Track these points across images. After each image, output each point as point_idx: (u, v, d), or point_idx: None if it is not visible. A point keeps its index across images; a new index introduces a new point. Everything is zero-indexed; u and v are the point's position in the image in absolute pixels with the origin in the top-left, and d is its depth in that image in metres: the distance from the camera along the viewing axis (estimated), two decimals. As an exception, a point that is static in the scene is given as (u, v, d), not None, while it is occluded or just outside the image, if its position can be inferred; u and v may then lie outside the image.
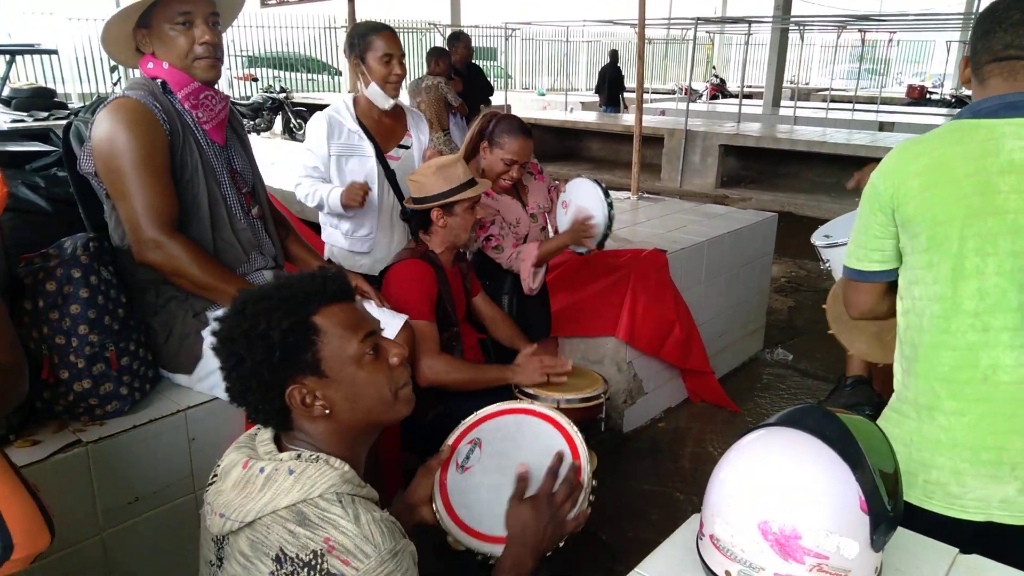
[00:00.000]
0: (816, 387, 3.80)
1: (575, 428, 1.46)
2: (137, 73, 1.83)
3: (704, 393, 3.53)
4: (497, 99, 13.05)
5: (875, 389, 2.66)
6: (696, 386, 3.52)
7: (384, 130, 2.59)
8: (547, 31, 20.45)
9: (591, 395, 2.21)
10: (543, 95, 17.99)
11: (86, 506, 1.58)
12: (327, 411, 1.07)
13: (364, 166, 2.52)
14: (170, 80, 1.74)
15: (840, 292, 2.12)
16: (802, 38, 13.52)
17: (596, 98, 14.18)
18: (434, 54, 6.07)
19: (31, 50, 3.28)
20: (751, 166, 10.21)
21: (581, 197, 2.70)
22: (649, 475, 3.00)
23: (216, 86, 1.82)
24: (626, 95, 13.60)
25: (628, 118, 11.80)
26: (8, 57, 3.18)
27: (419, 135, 2.67)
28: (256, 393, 1.05)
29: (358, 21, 2.61)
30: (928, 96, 18.49)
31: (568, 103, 14.17)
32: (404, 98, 3.21)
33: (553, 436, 1.46)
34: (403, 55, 2.49)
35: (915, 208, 1.29)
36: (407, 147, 2.63)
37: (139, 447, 1.66)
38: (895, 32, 18.65)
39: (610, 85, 13.25)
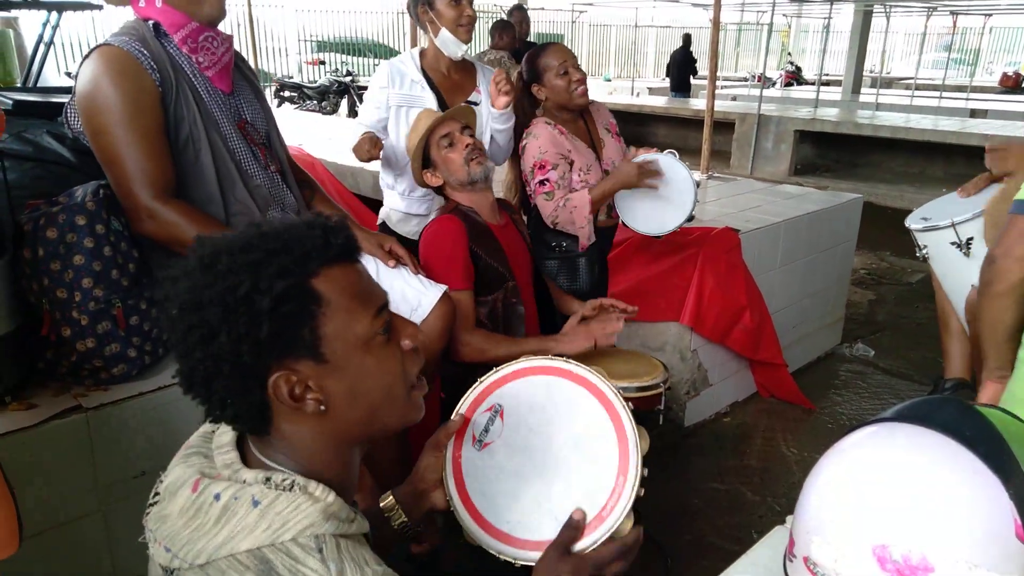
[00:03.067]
0: (901, 387, 3.44)
1: (620, 398, 1.15)
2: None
3: (775, 388, 3.22)
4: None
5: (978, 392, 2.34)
6: (767, 380, 3.22)
7: (451, 84, 2.42)
8: (616, 15, 19.94)
9: (649, 384, 1.98)
10: (609, 81, 17.58)
11: (84, 478, 1.45)
12: (322, 407, 0.79)
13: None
14: (164, 21, 1.54)
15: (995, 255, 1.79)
16: (888, 22, 12.72)
17: (664, 84, 13.74)
18: (498, 27, 5.86)
19: (75, 4, 3.22)
20: (828, 154, 9.65)
21: (666, 165, 2.41)
22: (711, 473, 2.73)
23: (220, 27, 1.63)
24: (695, 81, 13.11)
25: (697, 103, 11.35)
26: (56, 14, 3.13)
27: (488, 88, 2.43)
28: (227, 380, 0.75)
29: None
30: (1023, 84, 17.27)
31: (635, 89, 13.77)
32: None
33: (592, 408, 1.15)
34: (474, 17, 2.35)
35: None
36: (476, 103, 2.41)
37: (146, 416, 1.52)
38: (990, 15, 17.47)
39: (680, 69, 12.80)
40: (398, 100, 2.36)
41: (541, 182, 2.30)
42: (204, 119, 1.58)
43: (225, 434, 0.83)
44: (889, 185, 8.23)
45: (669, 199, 2.41)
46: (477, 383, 1.22)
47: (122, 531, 1.51)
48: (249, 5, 7.84)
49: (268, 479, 0.76)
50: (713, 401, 3.12)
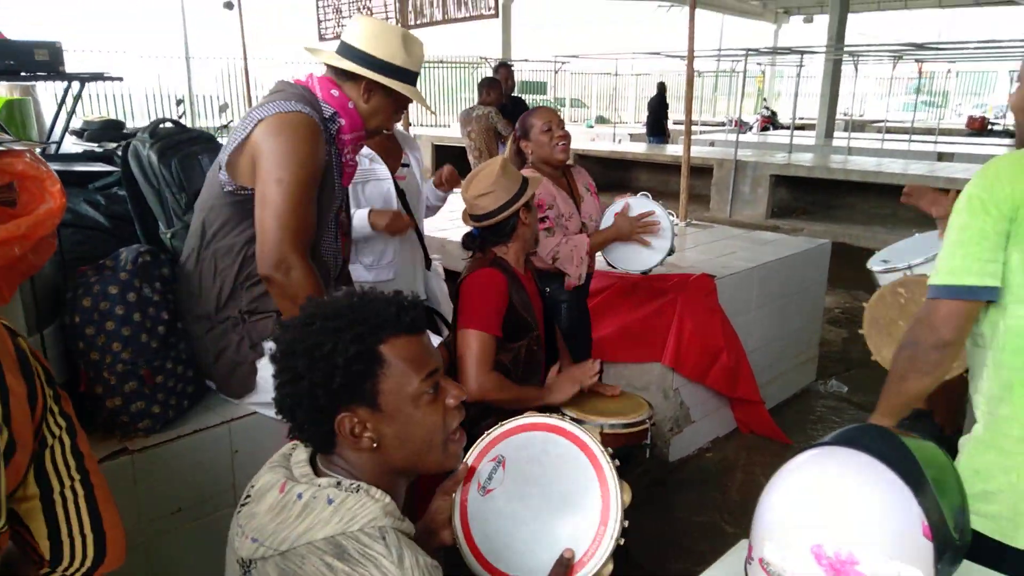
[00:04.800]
0: (873, 421, 3.64)
1: (607, 456, 1.34)
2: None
3: (754, 423, 3.42)
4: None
5: (937, 423, 2.54)
6: (745, 416, 3.42)
7: (386, 151, 2.59)
8: (596, 65, 20.58)
9: (636, 420, 2.16)
10: (591, 127, 18.07)
11: (130, 514, 1.60)
12: (374, 445, 1.01)
13: (381, 189, 2.52)
14: (347, 119, 1.78)
15: (888, 294, 2.01)
16: (856, 69, 13.29)
17: (644, 130, 14.20)
18: (485, 84, 6.16)
19: (98, 77, 3.42)
20: (803, 197, 10.01)
21: (645, 207, 2.71)
22: (695, 506, 2.90)
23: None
24: (672, 126, 13.57)
25: (676, 148, 11.74)
26: (78, 84, 3.34)
27: (413, 153, 2.69)
28: (306, 413, 1.00)
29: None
30: (990, 127, 17.94)
31: (616, 135, 14.20)
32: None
33: (582, 464, 1.34)
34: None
35: None
36: (407, 165, 2.64)
37: (183, 457, 1.68)
38: (954, 62, 18.21)
39: (656, 115, 13.26)
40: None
41: (542, 219, 2.53)
42: (331, 206, 1.81)
43: (301, 452, 1.06)
44: (862, 226, 8.56)
45: (650, 239, 2.69)
46: (484, 435, 1.40)
47: (162, 562, 1.66)
48: (245, 59, 8.16)
49: (339, 483, 0.98)
50: (696, 437, 3.30)
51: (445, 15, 6.14)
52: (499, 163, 2.08)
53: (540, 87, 23.17)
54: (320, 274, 1.78)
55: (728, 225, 9.12)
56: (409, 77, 1.80)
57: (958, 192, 2.48)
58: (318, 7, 6.63)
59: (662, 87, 13.49)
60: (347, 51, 1.76)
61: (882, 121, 15.42)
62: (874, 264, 2.56)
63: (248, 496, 1.04)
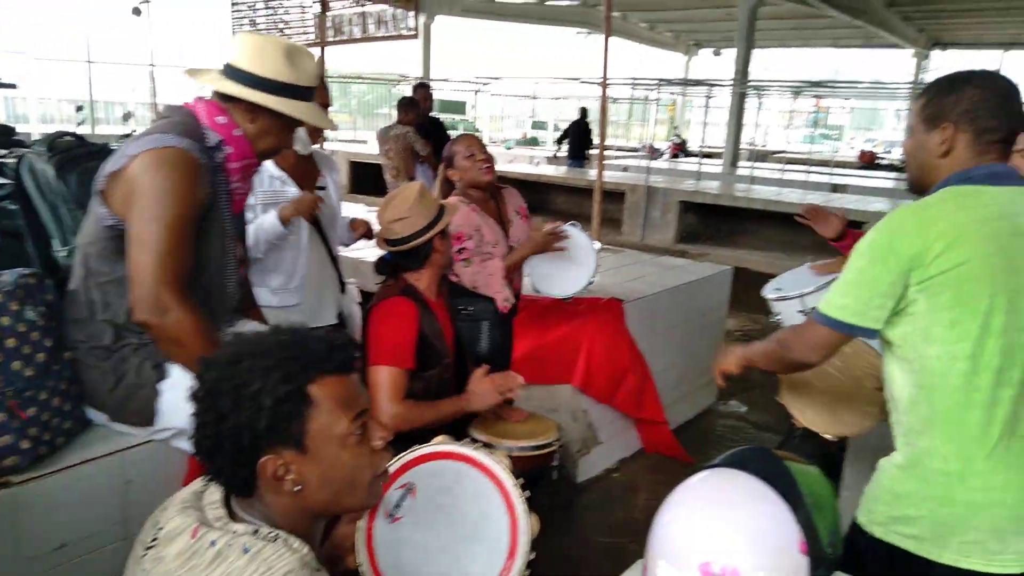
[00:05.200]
0: (770, 439, 3.83)
1: (518, 488, 1.36)
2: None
3: (658, 443, 3.53)
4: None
5: (822, 440, 2.70)
6: (650, 436, 3.53)
7: (301, 173, 2.50)
8: (516, 86, 20.95)
9: (544, 442, 2.20)
10: (510, 148, 18.31)
11: (6, 550, 1.51)
12: (297, 488, 0.98)
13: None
14: (233, 145, 1.67)
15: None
16: (759, 103, 14.08)
17: (562, 153, 14.50)
18: (404, 104, 6.16)
19: (-11, 83, 3.24)
20: (709, 223, 10.45)
21: (573, 234, 2.85)
22: (602, 527, 2.97)
23: None
24: (591, 151, 13.93)
25: (592, 173, 12.05)
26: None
27: (331, 175, 2.63)
28: (228, 455, 0.96)
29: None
30: (877, 161, 19.29)
31: (534, 157, 14.44)
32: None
33: (492, 496, 1.36)
34: (330, 104, 2.51)
35: (940, 268, 1.30)
36: (324, 187, 2.57)
37: (70, 489, 1.59)
38: (848, 99, 19.51)
39: (578, 140, 13.55)
40: (263, 199, 2.38)
41: (459, 251, 2.57)
42: (223, 236, 1.70)
43: (215, 493, 1.01)
44: (762, 252, 9.00)
45: (574, 263, 2.84)
46: (393, 461, 1.37)
47: (42, 601, 1.56)
48: (152, 67, 7.87)
49: (256, 531, 0.95)
50: (603, 458, 3.38)
51: (364, 33, 6.12)
52: (416, 189, 2.09)
53: (459, 107, 23.34)
54: (219, 308, 1.73)
55: (640, 249, 9.40)
56: (299, 93, 1.70)
57: (849, 221, 2.65)
58: (233, 20, 6.48)
59: (584, 111, 13.82)
60: (229, 72, 1.68)
61: (783, 152, 16.33)
62: (768, 292, 2.72)
63: (155, 539, 0.99)
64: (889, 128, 28.39)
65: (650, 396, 3.43)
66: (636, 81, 14.52)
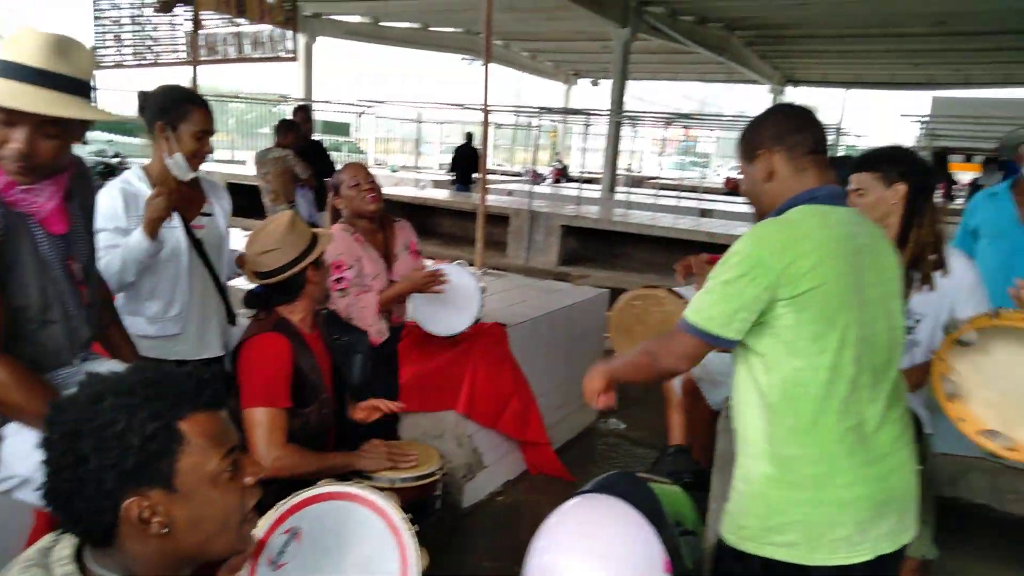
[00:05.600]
0: (647, 455, 3.99)
1: (407, 522, 1.34)
2: None
3: (541, 464, 3.60)
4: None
5: (694, 458, 2.86)
6: (534, 458, 3.59)
7: (183, 199, 2.34)
8: (401, 110, 20.88)
9: (427, 472, 2.20)
10: (395, 171, 18.20)
11: None
12: (164, 530, 0.93)
13: (170, 238, 2.28)
14: None
15: (626, 305, 2.26)
16: (634, 131, 14.80)
17: (449, 176, 14.59)
18: (282, 126, 6.02)
19: None
20: (590, 245, 10.82)
21: (456, 274, 2.88)
22: (488, 551, 2.98)
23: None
24: (477, 175, 14.10)
25: (477, 197, 12.19)
26: None
27: (219, 202, 2.49)
28: (87, 500, 0.89)
29: (183, 87, 2.51)
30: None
31: (420, 180, 14.44)
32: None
33: (383, 536, 1.33)
34: (214, 132, 2.36)
35: (809, 285, 1.38)
36: (210, 214, 2.44)
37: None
38: (713, 130, 20.83)
39: (464, 164, 13.66)
40: (138, 223, 2.19)
41: (337, 280, 2.53)
42: (37, 266, 1.51)
43: (65, 548, 0.94)
44: (639, 274, 9.41)
45: (458, 304, 2.87)
46: (276, 506, 1.34)
47: None
48: None
49: None
50: (488, 482, 3.41)
51: (240, 54, 5.94)
52: (286, 219, 2.03)
53: (343, 128, 22.98)
54: (55, 349, 1.58)
55: (524, 271, 9.58)
56: (57, 82, 1.41)
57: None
58: (96, 35, 6.05)
59: (470, 136, 13.97)
60: None
61: (656, 178, 17.18)
62: None
63: None
64: (752, 157, 30.39)
65: (533, 418, 3.49)
66: (518, 109, 14.89)
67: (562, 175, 20.43)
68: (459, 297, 2.90)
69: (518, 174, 20.13)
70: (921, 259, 2.14)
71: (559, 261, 10.09)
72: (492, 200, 12.15)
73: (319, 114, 21.58)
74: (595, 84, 23.38)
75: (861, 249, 1.46)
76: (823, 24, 13.62)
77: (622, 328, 2.33)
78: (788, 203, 1.49)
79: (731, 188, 20.28)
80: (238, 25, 5.78)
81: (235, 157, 16.28)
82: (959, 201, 12.07)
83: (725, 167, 30.45)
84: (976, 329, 1.48)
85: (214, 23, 5.80)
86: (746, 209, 11.25)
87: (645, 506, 1.15)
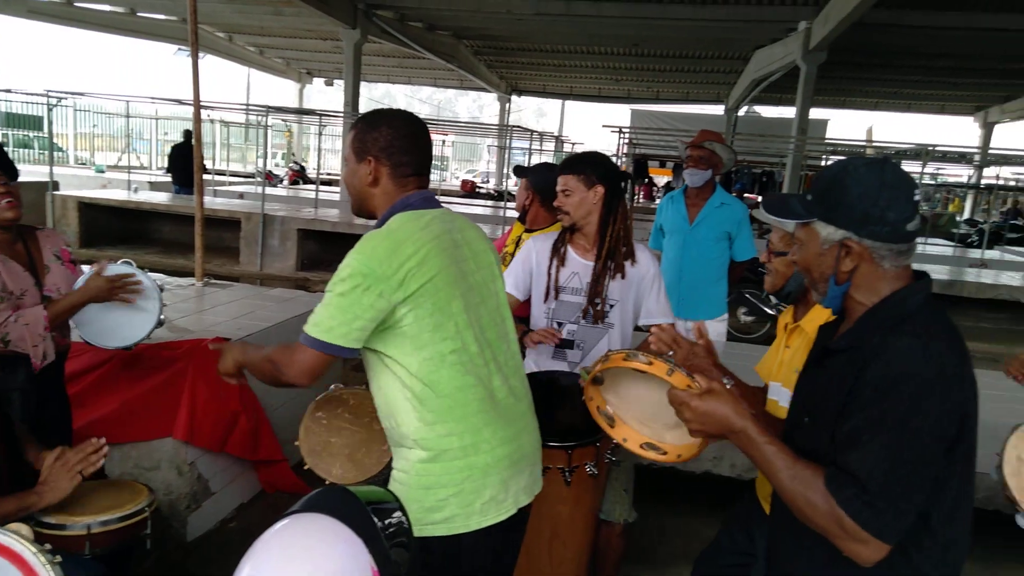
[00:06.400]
0: (390, 459, 4.00)
1: (45, 560, 1.22)
2: None
3: (278, 482, 3.43)
4: (40, 174, 11.25)
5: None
6: (269, 476, 3.41)
7: None
8: (108, 104, 18.45)
9: (133, 511, 2.00)
10: (102, 172, 16.11)
11: None
12: None
13: None
14: None
15: (311, 422, 2.24)
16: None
17: (167, 177, 13.28)
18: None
19: None
20: (331, 249, 10.57)
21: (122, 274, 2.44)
22: (219, 584, 2.77)
23: None
24: (206, 176, 13.01)
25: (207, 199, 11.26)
26: None
27: None
28: None
29: None
30: (477, 190, 21.64)
31: (132, 182, 12.93)
32: None
33: None
34: None
35: (421, 283, 1.52)
36: None
37: None
38: (448, 134, 21.52)
39: (183, 164, 12.52)
40: None
41: None
42: None
43: None
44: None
45: (132, 308, 2.45)
46: None
47: None
48: None
49: None
50: (217, 509, 3.16)
51: None
52: None
53: (34, 122, 19.82)
54: None
55: (260, 278, 9.08)
56: None
57: None
58: None
59: (189, 134, 12.82)
60: None
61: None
62: None
63: None
64: (485, 161, 32.12)
65: (266, 435, 3.31)
66: (245, 107, 14.00)
67: (300, 176, 19.70)
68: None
69: (252, 175, 18.99)
70: (615, 251, 2.41)
71: (298, 266, 9.72)
72: (221, 203, 11.33)
73: (3, 104, 18.35)
74: (329, 84, 22.85)
75: (458, 243, 1.64)
76: (540, 39, 14.76)
77: (317, 451, 2.15)
78: (387, 213, 1.63)
79: (468, 190, 21.17)
80: None
81: None
82: (658, 201, 13.86)
83: (462, 171, 31.71)
84: (600, 371, 1.71)
85: None
86: (483, 211, 11.78)
87: (354, 519, 1.14)
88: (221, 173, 18.90)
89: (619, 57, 15.63)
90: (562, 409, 2.28)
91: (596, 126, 20.03)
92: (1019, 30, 9.75)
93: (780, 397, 1.91)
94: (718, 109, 19.88)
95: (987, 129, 18.81)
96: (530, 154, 12.86)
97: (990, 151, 15.22)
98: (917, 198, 1.28)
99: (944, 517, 1.22)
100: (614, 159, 10.03)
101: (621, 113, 21.71)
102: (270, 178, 16.68)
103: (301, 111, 16.34)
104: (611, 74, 18.30)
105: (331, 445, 2.18)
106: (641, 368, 1.52)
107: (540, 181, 3.02)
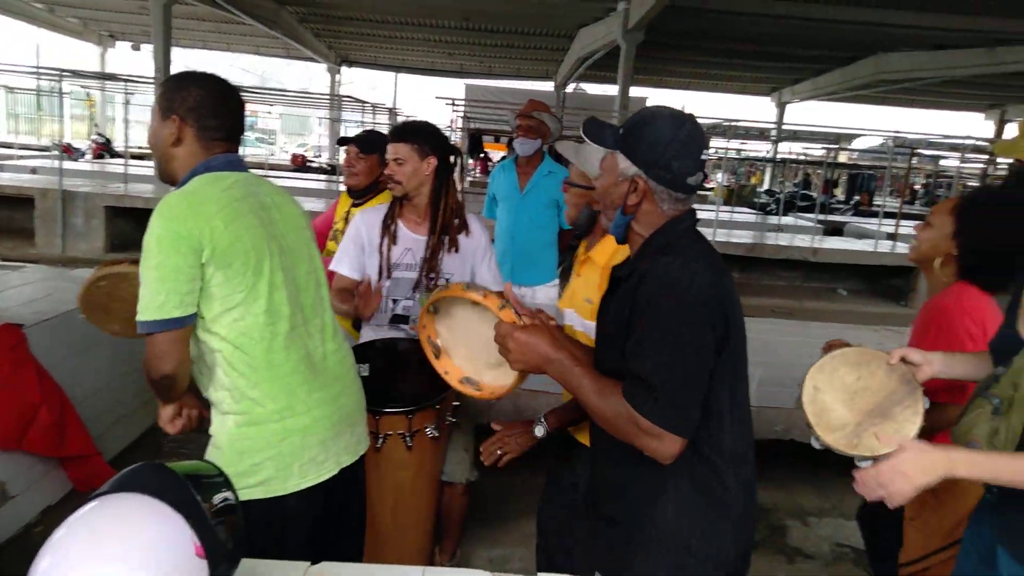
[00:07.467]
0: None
1: None
2: None
3: (92, 479, 3.13)
4: None
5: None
6: (81, 473, 3.10)
7: None
8: None
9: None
10: None
11: None
12: None
13: None
14: None
15: (93, 288, 2.04)
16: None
17: None
18: None
19: None
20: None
21: None
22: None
23: None
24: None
25: (-14, 176, 9.91)
26: None
27: None
28: None
29: None
30: (309, 164, 20.79)
31: None
32: None
33: None
34: None
35: (228, 242, 1.47)
36: None
37: None
38: (273, 106, 20.40)
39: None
40: None
41: None
42: None
43: None
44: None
45: None
46: None
47: None
48: None
49: None
50: (19, 515, 2.83)
51: None
52: None
53: None
54: None
55: (62, 261, 8.19)
56: None
57: None
58: None
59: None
60: None
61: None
62: None
63: None
64: (316, 135, 30.86)
65: (74, 429, 3.00)
66: (33, 71, 12.38)
67: (105, 150, 17.86)
68: None
69: (47, 148, 16.94)
70: (448, 224, 2.42)
71: (107, 247, 8.86)
72: (8, 179, 10.01)
73: None
74: (136, 48, 20.80)
75: (267, 205, 1.62)
76: (368, 8, 14.30)
77: (97, 308, 2.06)
78: (188, 175, 1.58)
79: (299, 164, 20.29)
80: None
81: None
82: (493, 175, 14.04)
83: (292, 144, 30.27)
84: (435, 300, 1.73)
85: None
86: (316, 185, 11.39)
87: (173, 494, 1.07)
88: (8, 146, 16.71)
89: (451, 31, 15.54)
90: (402, 375, 2.28)
91: (430, 99, 19.88)
92: (807, 19, 10.84)
93: (574, 323, 2.04)
94: (548, 86, 20.41)
95: (781, 108, 20.84)
96: (363, 127, 12.51)
97: (784, 127, 16.90)
98: (704, 159, 1.42)
99: (726, 415, 1.38)
100: (448, 132, 10.04)
101: (456, 87, 21.74)
102: (69, 151, 14.96)
103: (103, 75, 14.74)
104: (444, 48, 18.18)
105: (112, 309, 2.04)
106: (476, 299, 1.56)
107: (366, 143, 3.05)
